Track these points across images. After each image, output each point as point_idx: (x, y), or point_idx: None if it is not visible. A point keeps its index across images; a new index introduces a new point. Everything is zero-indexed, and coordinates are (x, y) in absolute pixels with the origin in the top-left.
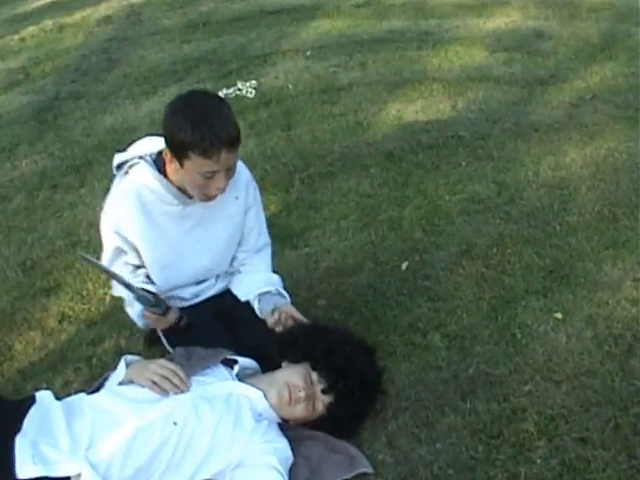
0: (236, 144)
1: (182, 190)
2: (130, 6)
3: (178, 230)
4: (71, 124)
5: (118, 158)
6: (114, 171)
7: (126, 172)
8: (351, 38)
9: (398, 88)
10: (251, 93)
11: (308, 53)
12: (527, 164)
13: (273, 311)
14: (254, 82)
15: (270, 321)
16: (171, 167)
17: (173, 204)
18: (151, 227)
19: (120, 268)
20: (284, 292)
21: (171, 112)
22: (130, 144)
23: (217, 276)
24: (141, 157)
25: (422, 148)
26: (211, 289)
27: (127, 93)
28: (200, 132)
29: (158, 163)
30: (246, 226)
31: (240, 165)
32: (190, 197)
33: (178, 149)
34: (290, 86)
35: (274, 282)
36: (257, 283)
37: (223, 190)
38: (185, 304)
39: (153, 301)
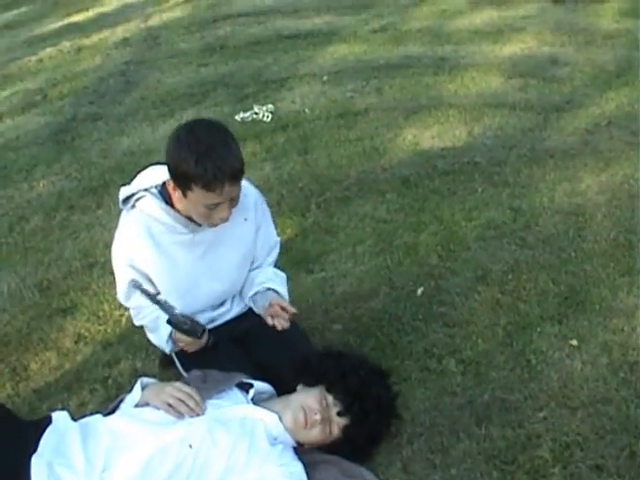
0: (240, 176)
1: (190, 218)
2: (147, 29)
3: (190, 258)
4: (88, 146)
5: (124, 192)
6: (120, 205)
7: (133, 205)
8: (368, 63)
9: (414, 114)
10: (268, 117)
11: (325, 78)
12: (542, 190)
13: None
14: (271, 106)
15: (267, 320)
16: (175, 196)
17: (183, 233)
18: (163, 258)
19: (139, 299)
20: (275, 286)
21: (175, 142)
22: (146, 166)
23: (233, 300)
24: (146, 189)
25: (438, 174)
26: (227, 314)
27: (144, 115)
28: (204, 165)
29: (164, 194)
30: (257, 245)
31: (246, 187)
32: (199, 224)
33: (181, 180)
34: (307, 110)
35: (268, 277)
36: (252, 285)
37: (226, 219)
38: None
39: (190, 324)
